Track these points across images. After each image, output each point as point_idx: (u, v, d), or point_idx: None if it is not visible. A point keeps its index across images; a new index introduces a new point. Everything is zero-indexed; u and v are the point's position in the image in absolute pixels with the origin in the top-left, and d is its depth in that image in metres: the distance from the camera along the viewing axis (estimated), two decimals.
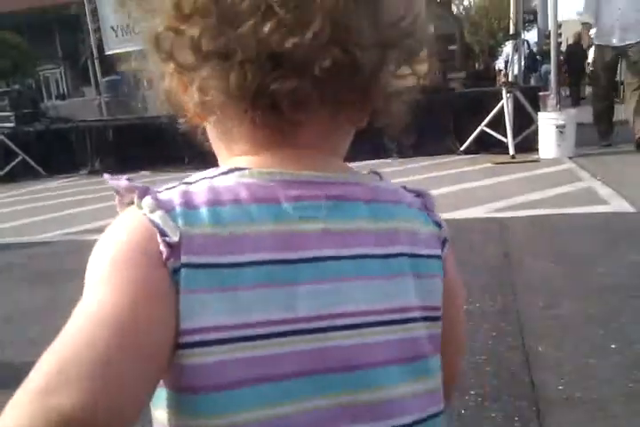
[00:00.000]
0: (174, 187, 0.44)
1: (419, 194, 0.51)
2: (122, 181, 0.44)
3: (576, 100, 12.45)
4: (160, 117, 8.12)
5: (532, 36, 19.05)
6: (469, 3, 27.96)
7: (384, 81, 0.46)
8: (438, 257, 0.49)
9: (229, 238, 0.41)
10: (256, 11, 0.40)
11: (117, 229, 0.44)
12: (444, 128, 6.32)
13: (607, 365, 1.66)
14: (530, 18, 16.53)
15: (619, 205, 3.48)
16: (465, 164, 5.57)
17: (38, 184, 6.86)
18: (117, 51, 9.50)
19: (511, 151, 5.63)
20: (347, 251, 0.44)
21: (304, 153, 0.46)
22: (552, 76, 6.15)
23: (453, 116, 6.33)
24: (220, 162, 0.51)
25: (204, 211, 0.42)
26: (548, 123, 5.59)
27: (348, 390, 0.43)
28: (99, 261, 0.42)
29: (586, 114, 6.22)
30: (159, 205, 0.42)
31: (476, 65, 18.86)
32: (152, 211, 0.41)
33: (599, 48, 5.67)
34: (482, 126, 5.96)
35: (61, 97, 14.63)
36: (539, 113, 5.77)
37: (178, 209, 0.41)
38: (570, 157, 5.43)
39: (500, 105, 5.82)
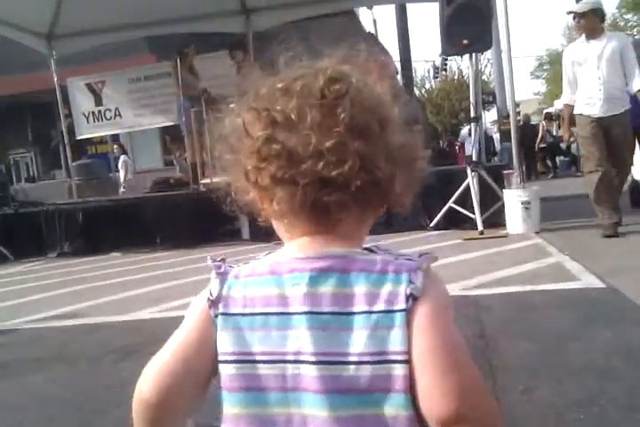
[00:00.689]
0: (245, 263, 0.70)
1: (413, 260, 0.65)
2: (210, 262, 0.71)
3: (530, 176, 13.18)
4: (132, 198, 8.20)
5: (491, 115, 20.00)
6: (431, 86, 29.46)
7: (397, 185, 0.68)
8: (403, 311, 0.61)
9: (248, 298, 0.65)
10: (312, 154, 0.62)
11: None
12: (414, 205, 6.39)
13: None
14: (489, 99, 17.43)
15: (588, 280, 3.52)
16: (435, 240, 5.64)
17: (4, 269, 6.68)
18: (88, 135, 9.66)
19: (479, 227, 5.74)
20: (319, 308, 0.62)
21: (324, 241, 0.66)
22: (514, 155, 6.39)
23: (422, 193, 6.45)
24: (282, 239, 0.73)
25: (242, 280, 0.67)
26: (513, 200, 5.75)
27: (306, 407, 0.61)
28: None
29: (547, 189, 6.42)
30: (217, 276, 0.69)
31: (440, 143, 19.57)
32: (214, 280, 0.69)
33: (581, 118, 5.20)
34: (450, 203, 6.09)
35: (31, 180, 14.61)
36: (504, 190, 5.94)
37: (228, 279, 0.68)
38: (536, 232, 5.54)
39: (465, 183, 5.98)
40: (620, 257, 4.14)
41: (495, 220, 5.95)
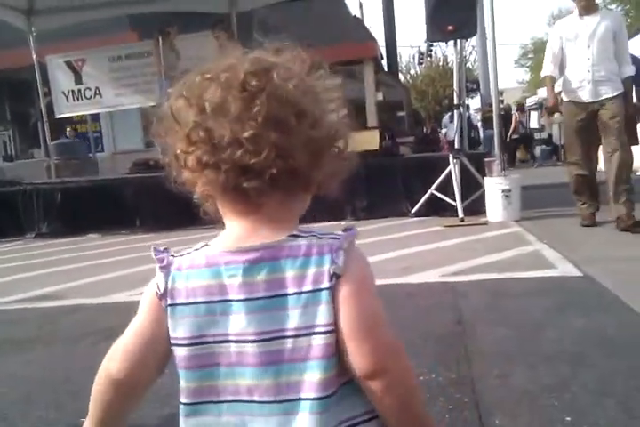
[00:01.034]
0: (184, 254, 0.76)
1: (336, 238, 0.72)
2: (154, 254, 0.76)
3: (512, 164, 13.34)
4: (111, 179, 8.09)
5: (475, 102, 20.03)
6: (416, 72, 29.39)
7: (319, 173, 0.74)
8: (327, 289, 0.69)
9: (191, 289, 0.73)
10: (233, 143, 0.69)
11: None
12: (396, 191, 6.46)
13: None
14: (473, 86, 17.45)
15: (565, 269, 3.56)
16: (416, 226, 5.66)
17: None
18: (68, 114, 9.50)
19: (460, 214, 5.77)
20: (253, 295, 0.70)
21: (252, 227, 0.73)
22: (495, 143, 6.42)
23: (404, 180, 6.50)
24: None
25: (184, 272, 0.74)
26: (494, 187, 5.78)
27: (251, 378, 0.71)
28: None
29: (528, 178, 6.44)
30: (161, 270, 0.75)
31: (424, 129, 19.59)
32: (158, 273, 0.75)
33: (568, 106, 4.88)
34: (431, 190, 6.12)
35: (9, 159, 14.36)
36: (485, 178, 5.97)
37: (172, 271, 0.75)
38: (516, 221, 5.60)
39: (447, 170, 6.00)
40: (598, 246, 4.20)
41: (476, 207, 6.00)
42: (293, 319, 0.69)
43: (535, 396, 1.89)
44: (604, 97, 4.69)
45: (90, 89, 9.29)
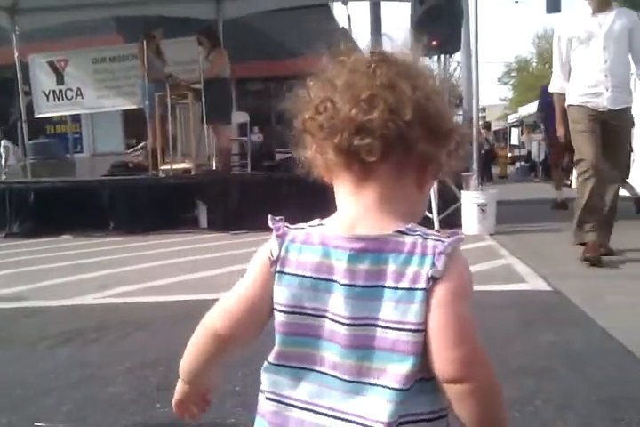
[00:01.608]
0: (299, 228, 0.80)
1: (441, 241, 0.74)
2: (271, 223, 0.80)
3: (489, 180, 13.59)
4: (87, 181, 7.97)
5: (458, 118, 20.26)
6: None
7: (435, 152, 0.77)
8: (423, 289, 0.72)
9: (302, 262, 0.77)
10: (350, 102, 0.75)
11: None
12: None
13: None
14: (456, 102, 17.53)
15: (536, 283, 3.58)
16: None
17: None
18: (48, 114, 9.40)
19: (436, 226, 5.79)
20: (354, 281, 0.74)
21: (364, 209, 0.77)
22: (473, 158, 6.47)
23: None
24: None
25: (297, 245, 0.78)
26: (470, 201, 5.82)
27: (336, 355, 0.75)
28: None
29: (503, 192, 6.48)
30: (277, 238, 0.79)
31: None
32: (273, 241, 0.79)
33: (579, 109, 4.14)
34: None
35: None
36: (462, 191, 6.01)
37: (286, 242, 0.79)
38: (491, 234, 5.63)
39: None
40: (569, 262, 4.23)
41: (452, 220, 6.01)
42: (386, 312, 0.73)
43: None
44: (621, 106, 4.11)
45: (71, 90, 9.20)
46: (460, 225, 5.89)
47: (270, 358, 0.79)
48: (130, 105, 8.90)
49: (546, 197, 8.97)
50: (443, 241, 0.74)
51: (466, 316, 0.73)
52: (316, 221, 0.81)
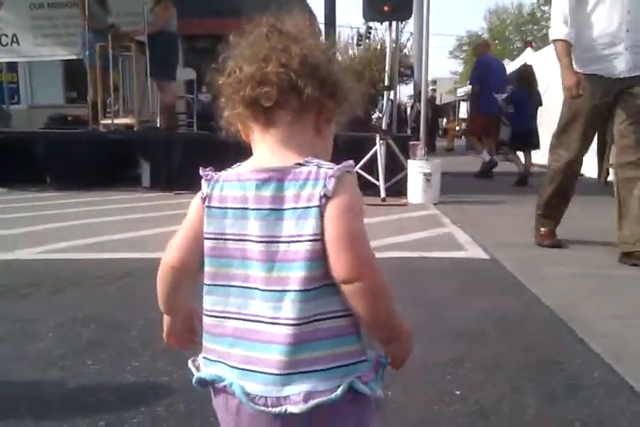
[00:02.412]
0: (223, 172, 0.93)
1: (331, 168, 0.87)
2: (201, 172, 0.94)
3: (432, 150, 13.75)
4: (24, 133, 7.61)
5: (409, 89, 20.28)
6: (353, 53, 29.37)
7: (323, 98, 0.91)
8: (316, 206, 0.84)
9: (223, 196, 0.90)
10: (253, 65, 0.90)
11: None
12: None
13: (449, 411, 1.67)
14: (407, 72, 17.58)
15: (474, 251, 3.67)
16: None
17: None
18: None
19: (382, 194, 5.83)
20: (261, 206, 0.87)
21: (269, 151, 0.91)
22: (421, 128, 6.50)
23: (332, 156, 6.47)
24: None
25: (220, 184, 0.91)
26: (416, 170, 5.87)
27: (253, 269, 0.88)
28: None
29: (449, 164, 6.56)
30: (205, 181, 0.92)
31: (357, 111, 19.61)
32: (203, 183, 0.92)
33: (585, 88, 3.37)
34: (356, 169, 6.12)
35: None
36: (408, 160, 6.05)
37: (212, 182, 0.92)
38: (435, 204, 5.72)
39: (373, 150, 6.03)
40: (506, 232, 4.35)
41: (398, 189, 6.07)
42: (288, 228, 0.86)
43: (430, 370, 1.92)
44: (637, 72, 3.33)
45: (6, 35, 8.67)
46: (406, 194, 5.95)
47: (205, 280, 0.92)
48: (69, 55, 8.47)
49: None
50: (333, 168, 0.87)
51: (354, 227, 0.86)
52: (236, 165, 0.95)
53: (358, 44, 28.25)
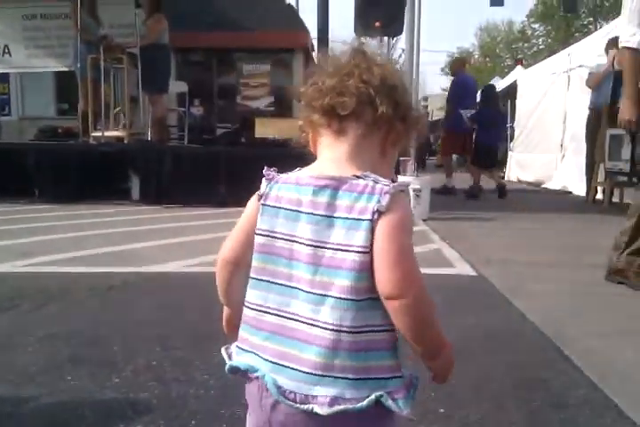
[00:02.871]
0: (284, 174, 0.97)
1: (387, 185, 0.89)
2: (265, 170, 0.99)
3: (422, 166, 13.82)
4: (13, 144, 7.58)
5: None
6: None
7: (397, 119, 0.96)
8: (368, 220, 0.87)
9: (279, 196, 0.95)
10: (337, 77, 0.96)
11: None
12: None
13: None
14: None
15: (462, 268, 3.67)
16: None
17: None
18: None
19: None
20: (315, 211, 0.90)
21: (333, 160, 0.95)
22: (411, 144, 6.52)
23: None
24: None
25: (278, 185, 0.96)
26: None
27: (299, 270, 0.91)
28: None
29: (438, 180, 6.58)
30: (265, 180, 0.97)
31: None
32: (264, 182, 0.98)
33: None
34: None
35: None
36: (398, 176, 6.07)
37: (272, 182, 0.96)
38: (424, 220, 5.73)
39: None
40: (494, 249, 4.36)
41: None
42: (337, 236, 0.89)
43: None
44: None
45: None
46: None
47: (251, 273, 0.97)
48: (61, 67, 8.46)
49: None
50: (388, 185, 0.90)
51: (403, 244, 0.88)
52: (297, 169, 0.99)
53: None
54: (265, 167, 1.00)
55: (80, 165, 6.70)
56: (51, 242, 4.30)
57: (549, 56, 13.49)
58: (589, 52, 9.08)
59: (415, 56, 6.72)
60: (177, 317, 2.61)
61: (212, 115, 11.15)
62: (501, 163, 14.35)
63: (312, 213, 0.91)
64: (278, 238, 0.94)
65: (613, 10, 27.40)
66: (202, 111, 11.12)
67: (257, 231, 0.96)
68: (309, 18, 9.16)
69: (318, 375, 0.87)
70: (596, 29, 20.78)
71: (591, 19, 33.63)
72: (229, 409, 1.70)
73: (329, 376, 0.87)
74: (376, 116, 0.94)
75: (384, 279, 0.86)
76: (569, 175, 9.48)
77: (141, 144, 7.30)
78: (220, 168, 6.38)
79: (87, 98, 7.04)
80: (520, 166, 12.60)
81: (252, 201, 1.00)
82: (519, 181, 12.07)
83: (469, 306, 2.87)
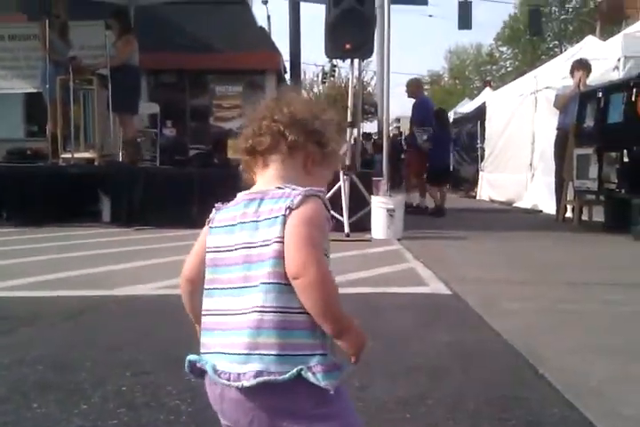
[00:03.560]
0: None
1: (301, 190, 1.06)
2: (214, 206, 1.17)
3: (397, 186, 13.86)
4: None
5: (373, 126, 20.75)
6: (319, 91, 29.90)
7: (306, 146, 1.15)
8: (282, 215, 1.03)
9: (221, 218, 1.12)
10: (256, 123, 1.16)
11: None
12: None
13: None
14: (371, 110, 17.94)
15: (436, 286, 3.67)
16: None
17: None
18: None
19: (346, 230, 5.84)
20: (245, 219, 1.08)
21: (262, 183, 1.14)
22: (384, 165, 6.59)
23: None
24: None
25: (222, 210, 1.14)
26: (379, 206, 5.91)
27: (236, 272, 1.07)
28: None
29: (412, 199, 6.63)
30: (215, 209, 1.16)
31: None
32: (213, 211, 1.16)
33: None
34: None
35: None
36: (372, 196, 6.10)
37: (217, 211, 1.15)
38: (398, 239, 5.74)
39: (337, 186, 6.06)
40: (468, 267, 4.38)
41: (362, 224, 6.09)
42: (262, 235, 1.05)
43: (390, 408, 1.88)
44: None
45: None
46: (370, 229, 5.97)
47: (205, 285, 1.11)
48: (29, 88, 8.38)
49: (454, 205, 9.34)
50: (303, 190, 1.06)
51: (306, 233, 1.02)
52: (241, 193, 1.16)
53: (323, 82, 28.84)
54: (215, 205, 1.17)
55: (49, 187, 6.60)
56: (21, 265, 4.20)
57: (517, 78, 13.83)
58: (555, 74, 9.32)
59: (386, 78, 6.82)
60: (147, 340, 2.55)
61: (184, 136, 11.11)
62: (473, 183, 14.56)
63: (243, 222, 1.08)
64: (222, 251, 1.10)
65: (577, 34, 28.28)
66: (174, 132, 11.07)
67: (207, 250, 1.13)
68: (281, 40, 9.27)
69: (247, 354, 1.00)
70: (561, 52, 21.38)
71: (557, 42, 34.67)
72: None
73: (256, 354, 1.00)
74: (290, 146, 1.13)
75: (289, 262, 1.01)
76: (539, 194, 9.63)
77: (112, 165, 7.23)
78: (193, 189, 6.34)
79: (56, 119, 6.96)
80: (491, 186, 12.78)
81: (205, 227, 1.16)
82: (491, 201, 12.23)
83: (444, 325, 2.86)
